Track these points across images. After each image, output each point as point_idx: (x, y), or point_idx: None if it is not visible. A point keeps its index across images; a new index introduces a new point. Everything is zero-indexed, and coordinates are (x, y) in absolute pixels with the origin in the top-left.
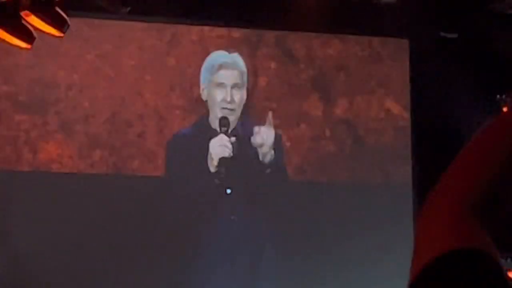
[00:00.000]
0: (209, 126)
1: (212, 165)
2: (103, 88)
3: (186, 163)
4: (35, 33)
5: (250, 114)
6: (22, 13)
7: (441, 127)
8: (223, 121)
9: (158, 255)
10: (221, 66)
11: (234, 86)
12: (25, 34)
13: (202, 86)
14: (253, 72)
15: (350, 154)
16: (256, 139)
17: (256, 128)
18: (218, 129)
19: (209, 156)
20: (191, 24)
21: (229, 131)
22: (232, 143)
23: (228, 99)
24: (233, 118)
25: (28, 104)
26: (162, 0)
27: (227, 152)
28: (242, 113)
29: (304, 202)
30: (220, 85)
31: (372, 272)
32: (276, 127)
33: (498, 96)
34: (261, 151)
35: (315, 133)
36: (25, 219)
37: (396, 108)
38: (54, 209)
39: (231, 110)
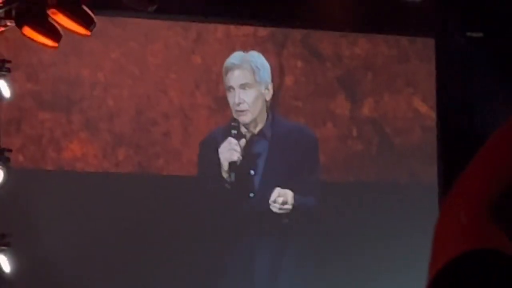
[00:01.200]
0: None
1: (223, 171)
2: (127, 86)
3: (216, 163)
4: (61, 32)
5: (277, 113)
6: (49, 12)
7: (468, 127)
8: (233, 124)
9: (182, 254)
10: (227, 69)
11: (243, 86)
12: (52, 32)
13: None
14: (279, 71)
15: (377, 153)
16: (278, 200)
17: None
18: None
19: (220, 161)
20: (217, 23)
21: (245, 133)
22: (241, 146)
23: (237, 101)
24: (248, 119)
25: (52, 103)
26: None
27: (236, 156)
28: (269, 111)
29: (331, 202)
30: (229, 88)
31: (398, 272)
32: None
33: None
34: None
35: (341, 132)
36: (49, 218)
37: (423, 108)
38: (78, 208)
39: (243, 111)
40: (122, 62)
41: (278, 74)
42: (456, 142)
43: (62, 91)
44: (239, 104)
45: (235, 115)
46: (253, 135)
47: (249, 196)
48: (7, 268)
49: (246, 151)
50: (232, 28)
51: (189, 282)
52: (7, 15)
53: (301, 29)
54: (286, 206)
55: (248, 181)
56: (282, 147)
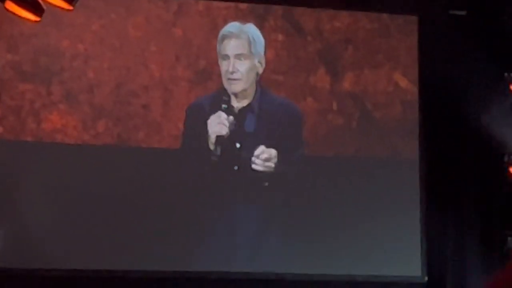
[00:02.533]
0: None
1: (210, 143)
2: (108, 58)
3: (201, 134)
4: (44, 6)
5: (264, 88)
6: None
7: (449, 103)
8: (224, 97)
9: (159, 224)
10: (224, 37)
11: (239, 56)
12: (34, 6)
13: None
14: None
15: (357, 128)
16: (262, 156)
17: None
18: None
19: (207, 133)
20: None
21: (234, 107)
22: (230, 121)
23: (231, 69)
24: (238, 88)
25: (33, 74)
26: None
27: (225, 130)
28: (258, 85)
29: (311, 175)
30: (224, 57)
31: (376, 244)
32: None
33: (506, 74)
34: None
35: (322, 106)
36: (29, 188)
37: (404, 82)
38: (58, 180)
39: (236, 80)
40: (102, 34)
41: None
42: (437, 117)
43: (42, 62)
44: (232, 72)
45: (226, 84)
46: (242, 109)
47: (233, 168)
48: None
49: (234, 125)
50: (214, 1)
51: (170, 248)
52: None
53: (282, 6)
54: (268, 164)
55: (233, 154)
56: (269, 121)
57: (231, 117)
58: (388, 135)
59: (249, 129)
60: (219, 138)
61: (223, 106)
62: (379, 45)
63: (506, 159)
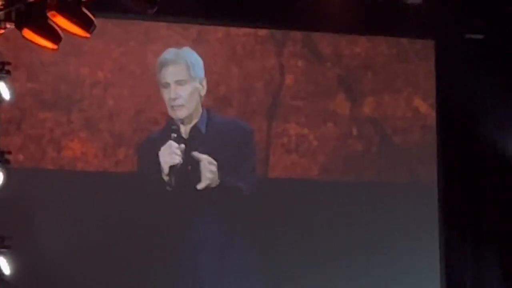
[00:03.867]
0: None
1: (164, 175)
2: (128, 85)
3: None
4: (61, 34)
5: (277, 112)
6: (49, 14)
7: (467, 127)
8: (172, 127)
9: (188, 252)
10: (161, 65)
11: (179, 82)
12: (52, 34)
13: None
14: (279, 71)
15: (377, 153)
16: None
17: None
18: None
19: (161, 164)
20: (217, 25)
21: (183, 135)
22: (181, 150)
23: (173, 96)
24: (183, 114)
25: (53, 102)
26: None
27: (177, 159)
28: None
29: (330, 201)
30: (165, 84)
31: (396, 269)
32: (302, 125)
33: None
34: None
35: (342, 131)
36: (49, 217)
37: (423, 107)
38: (78, 207)
39: (179, 106)
40: (122, 61)
41: (278, 73)
42: (456, 141)
43: (62, 90)
44: (175, 99)
45: (170, 111)
46: (189, 132)
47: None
48: (7, 271)
49: (186, 152)
50: (232, 27)
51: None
52: (7, 17)
53: (302, 31)
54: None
55: (187, 178)
56: (218, 141)
57: (182, 145)
58: (407, 160)
59: (197, 149)
60: (172, 168)
61: (173, 135)
62: (398, 70)
63: None
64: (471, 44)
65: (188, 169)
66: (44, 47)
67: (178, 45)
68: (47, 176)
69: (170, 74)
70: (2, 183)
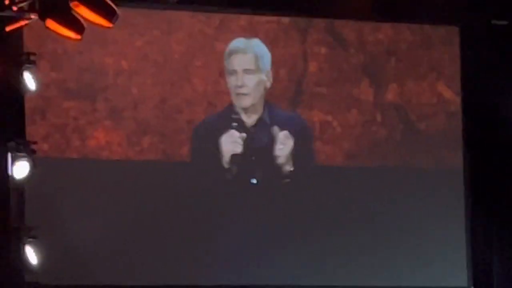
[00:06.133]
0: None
1: (225, 162)
2: (151, 74)
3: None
4: (84, 24)
5: (301, 100)
6: (72, 4)
7: (492, 113)
8: (233, 116)
9: (210, 237)
10: (231, 53)
11: (247, 71)
12: (75, 25)
13: None
14: (303, 58)
15: (401, 139)
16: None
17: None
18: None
19: (221, 152)
20: (240, 13)
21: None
22: (243, 139)
23: (239, 83)
24: (248, 103)
25: (77, 91)
26: None
27: (239, 148)
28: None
29: (355, 187)
30: (232, 72)
31: (422, 255)
32: (326, 112)
33: None
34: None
35: (366, 118)
36: (74, 206)
37: (448, 93)
38: (103, 196)
39: (244, 95)
40: (146, 50)
41: (302, 60)
42: (481, 127)
43: (86, 79)
44: (241, 86)
45: (234, 99)
46: (253, 125)
47: (250, 182)
48: (34, 260)
49: (247, 142)
50: (255, 15)
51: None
52: (31, 8)
53: (325, 18)
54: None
55: (251, 169)
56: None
57: (244, 134)
58: (432, 146)
59: (262, 143)
60: (234, 156)
61: (233, 124)
62: (421, 57)
63: None
64: (496, 30)
65: (251, 160)
66: (68, 37)
67: (201, 33)
68: (72, 165)
69: (238, 62)
70: (29, 173)
